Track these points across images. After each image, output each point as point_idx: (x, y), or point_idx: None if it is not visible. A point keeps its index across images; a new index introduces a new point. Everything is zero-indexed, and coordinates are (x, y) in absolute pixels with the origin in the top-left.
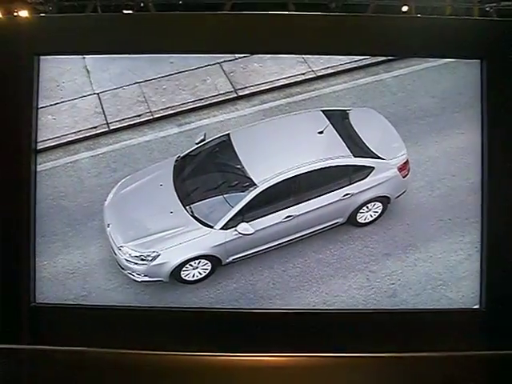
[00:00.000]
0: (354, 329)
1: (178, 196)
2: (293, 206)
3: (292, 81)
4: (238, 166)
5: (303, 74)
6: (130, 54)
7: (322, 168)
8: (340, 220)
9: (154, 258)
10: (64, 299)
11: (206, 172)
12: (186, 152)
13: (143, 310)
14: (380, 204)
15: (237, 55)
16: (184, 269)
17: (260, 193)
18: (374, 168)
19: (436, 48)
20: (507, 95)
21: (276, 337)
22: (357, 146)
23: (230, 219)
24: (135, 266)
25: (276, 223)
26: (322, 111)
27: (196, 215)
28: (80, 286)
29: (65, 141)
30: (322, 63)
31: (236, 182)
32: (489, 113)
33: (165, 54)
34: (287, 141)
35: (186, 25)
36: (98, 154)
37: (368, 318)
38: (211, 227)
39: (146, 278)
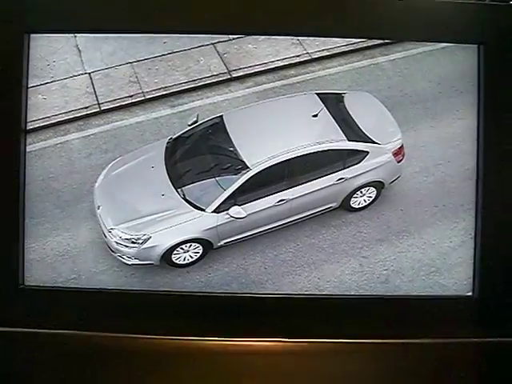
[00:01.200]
0: (345, 315)
1: (170, 178)
2: (286, 189)
3: (287, 63)
4: (231, 149)
5: (298, 55)
6: (122, 33)
7: (315, 152)
8: (333, 205)
9: (145, 241)
10: (53, 282)
11: (198, 154)
12: (178, 134)
13: (134, 293)
14: (374, 189)
15: (231, 36)
16: (175, 252)
17: (253, 176)
18: (368, 152)
19: (433, 32)
20: (505, 81)
21: (267, 322)
22: (351, 130)
23: (222, 202)
24: (125, 249)
25: (269, 207)
26: (317, 94)
27: (188, 198)
28: (69, 268)
29: (55, 121)
30: (317, 45)
31: (228, 165)
32: (486, 98)
33: (157, 33)
34: (281, 123)
35: (180, 3)
36: (89, 135)
37: (359, 304)
38: (203, 210)
39: (137, 262)
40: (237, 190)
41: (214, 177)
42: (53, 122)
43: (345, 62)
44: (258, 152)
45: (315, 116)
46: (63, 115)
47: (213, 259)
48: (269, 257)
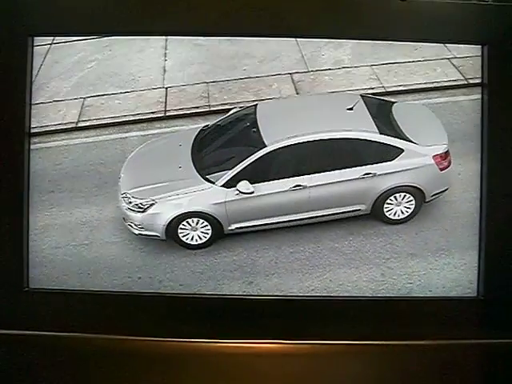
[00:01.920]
0: (349, 317)
1: (192, 153)
2: (303, 175)
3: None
4: (254, 130)
5: (372, 88)
6: (119, 34)
7: (340, 138)
8: (362, 207)
9: (150, 207)
10: (66, 244)
11: (225, 136)
12: (214, 122)
13: (134, 295)
14: (411, 197)
15: (310, 68)
16: (181, 226)
17: (268, 153)
18: (402, 150)
19: (437, 32)
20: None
21: (267, 324)
22: (387, 126)
23: (233, 177)
24: (133, 214)
25: (284, 191)
26: (362, 96)
27: (202, 172)
28: (85, 235)
29: (120, 120)
30: (394, 81)
31: (248, 145)
32: (490, 100)
33: (165, 35)
34: (312, 112)
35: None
36: (148, 134)
37: (362, 306)
38: (213, 183)
39: (143, 231)
40: (249, 165)
41: (232, 154)
42: (119, 120)
43: (421, 98)
44: (279, 133)
45: (350, 109)
46: (130, 117)
47: (224, 247)
48: (283, 253)
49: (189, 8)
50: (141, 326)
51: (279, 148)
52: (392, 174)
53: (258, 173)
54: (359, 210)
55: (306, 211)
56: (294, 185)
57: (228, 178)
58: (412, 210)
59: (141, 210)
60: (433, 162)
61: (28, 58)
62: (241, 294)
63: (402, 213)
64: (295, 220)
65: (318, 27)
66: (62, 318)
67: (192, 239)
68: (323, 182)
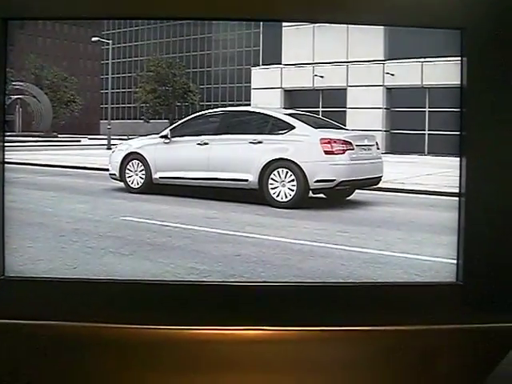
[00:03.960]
0: (332, 302)
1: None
2: (210, 134)
3: None
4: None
5: None
6: (98, 18)
7: (245, 111)
8: (250, 178)
9: (116, 147)
10: None
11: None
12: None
13: (114, 282)
14: (294, 177)
15: None
16: (128, 169)
17: (190, 119)
18: (294, 127)
19: (418, 18)
20: (488, 67)
21: (250, 310)
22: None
23: (169, 131)
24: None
25: (193, 144)
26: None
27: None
28: None
29: None
30: None
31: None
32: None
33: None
34: None
35: None
36: None
37: (343, 292)
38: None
39: (110, 170)
40: (179, 125)
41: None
42: None
43: None
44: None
45: None
46: None
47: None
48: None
49: None
50: (120, 314)
51: (199, 116)
52: (277, 146)
53: (182, 132)
54: (247, 180)
55: (208, 170)
56: (200, 141)
57: (165, 132)
58: (295, 192)
59: (112, 150)
60: (318, 143)
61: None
62: (220, 280)
63: (286, 196)
64: (200, 179)
65: (296, 11)
66: (39, 306)
67: (133, 183)
68: (221, 143)
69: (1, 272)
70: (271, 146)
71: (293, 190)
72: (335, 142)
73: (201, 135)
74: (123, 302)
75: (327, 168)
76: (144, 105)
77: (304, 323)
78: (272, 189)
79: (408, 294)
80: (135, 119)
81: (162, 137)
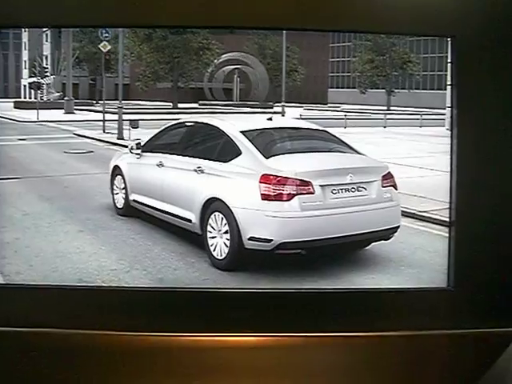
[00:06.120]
0: (323, 308)
1: None
2: (167, 153)
3: None
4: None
5: None
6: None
7: (205, 124)
8: (192, 218)
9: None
10: None
11: None
12: None
13: (103, 289)
14: (228, 228)
15: None
16: (115, 183)
17: (161, 131)
18: (239, 154)
19: (410, 26)
20: (478, 72)
21: (240, 317)
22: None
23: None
24: None
25: (152, 163)
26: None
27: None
28: None
29: None
30: None
31: None
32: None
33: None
34: None
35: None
36: None
37: (335, 299)
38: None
39: None
40: (156, 135)
41: None
42: None
43: None
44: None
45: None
46: None
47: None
48: None
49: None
50: (110, 321)
51: (176, 125)
52: (216, 179)
53: (153, 145)
54: (191, 221)
55: (162, 200)
56: (158, 161)
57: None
58: (229, 249)
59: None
60: (258, 176)
61: None
62: (212, 287)
63: (221, 253)
64: (152, 207)
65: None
66: (29, 313)
67: (118, 202)
68: (173, 165)
69: None
70: (211, 179)
71: (227, 246)
72: (278, 180)
73: (164, 152)
74: (115, 309)
75: (262, 221)
76: (360, 74)
77: (295, 330)
78: (210, 238)
79: (399, 300)
80: (351, 88)
81: (133, 149)
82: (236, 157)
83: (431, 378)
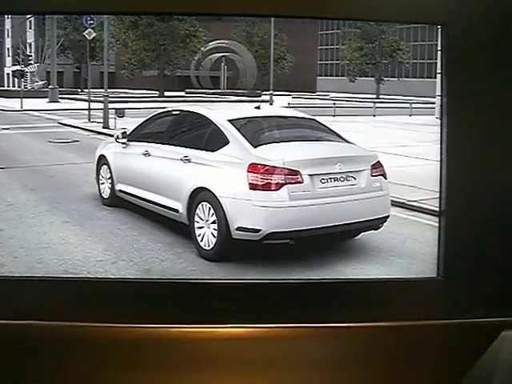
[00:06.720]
0: (312, 299)
1: None
2: (153, 143)
3: None
4: None
5: None
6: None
7: (192, 113)
8: (179, 208)
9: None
10: None
11: None
12: None
13: (90, 281)
14: (216, 217)
15: None
16: (101, 173)
17: (147, 119)
18: (227, 143)
19: (401, 13)
20: (468, 61)
21: (229, 308)
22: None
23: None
24: None
25: (138, 153)
26: None
27: None
28: None
29: None
30: None
31: None
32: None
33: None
34: None
35: None
36: None
37: (326, 289)
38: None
39: None
40: (142, 124)
41: None
42: None
43: None
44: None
45: (257, 108)
46: None
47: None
48: None
49: None
50: (99, 312)
51: (162, 113)
52: (204, 168)
53: (139, 134)
54: (178, 211)
55: (148, 190)
56: (145, 150)
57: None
58: (216, 238)
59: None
60: (246, 165)
61: None
62: (202, 278)
63: (208, 243)
64: (139, 197)
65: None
66: (21, 306)
67: (104, 192)
68: (159, 155)
69: None
70: (199, 169)
71: (215, 237)
72: (267, 169)
73: (151, 142)
74: (102, 300)
75: (250, 211)
76: (349, 62)
77: (283, 321)
78: (198, 228)
79: (389, 290)
80: (340, 76)
81: (119, 138)
82: (223, 146)
83: (421, 368)
